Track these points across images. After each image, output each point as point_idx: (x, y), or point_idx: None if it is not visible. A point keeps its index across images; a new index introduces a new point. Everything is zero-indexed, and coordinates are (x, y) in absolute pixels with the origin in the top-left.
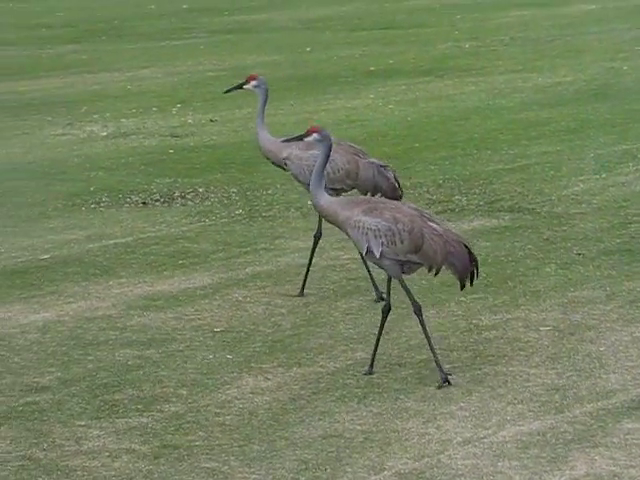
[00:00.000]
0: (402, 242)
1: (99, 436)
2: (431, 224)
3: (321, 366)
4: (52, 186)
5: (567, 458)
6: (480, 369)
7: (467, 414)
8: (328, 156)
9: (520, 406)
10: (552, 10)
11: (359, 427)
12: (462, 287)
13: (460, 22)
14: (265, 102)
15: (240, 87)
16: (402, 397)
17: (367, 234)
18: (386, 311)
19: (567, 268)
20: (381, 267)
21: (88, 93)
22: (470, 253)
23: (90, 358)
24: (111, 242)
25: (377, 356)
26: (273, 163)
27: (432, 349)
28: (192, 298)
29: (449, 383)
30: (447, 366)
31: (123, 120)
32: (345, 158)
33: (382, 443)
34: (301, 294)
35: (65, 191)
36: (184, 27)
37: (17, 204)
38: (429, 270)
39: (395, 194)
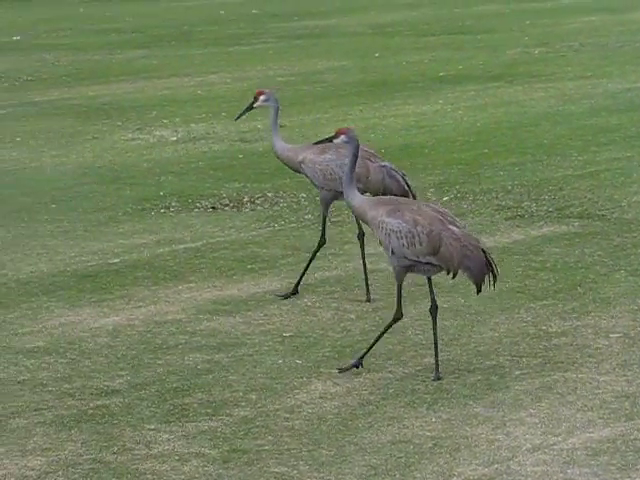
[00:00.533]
0: (421, 244)
1: (169, 440)
2: (451, 227)
3: (390, 372)
4: (122, 190)
5: (637, 466)
6: (550, 375)
7: (537, 421)
8: (356, 156)
9: (590, 413)
10: (621, 16)
11: (428, 433)
12: (478, 291)
13: (529, 28)
14: (277, 114)
15: (251, 108)
16: (471, 403)
17: (390, 235)
18: (434, 311)
19: (637, 275)
20: (393, 269)
21: (158, 98)
22: (487, 258)
23: (160, 362)
24: (181, 247)
25: (445, 362)
26: (290, 168)
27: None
28: (261, 303)
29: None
30: (517, 372)
31: (193, 125)
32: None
33: (451, 449)
34: (368, 299)
35: (135, 196)
36: (253, 32)
37: (87, 208)
38: (447, 272)
39: (405, 197)
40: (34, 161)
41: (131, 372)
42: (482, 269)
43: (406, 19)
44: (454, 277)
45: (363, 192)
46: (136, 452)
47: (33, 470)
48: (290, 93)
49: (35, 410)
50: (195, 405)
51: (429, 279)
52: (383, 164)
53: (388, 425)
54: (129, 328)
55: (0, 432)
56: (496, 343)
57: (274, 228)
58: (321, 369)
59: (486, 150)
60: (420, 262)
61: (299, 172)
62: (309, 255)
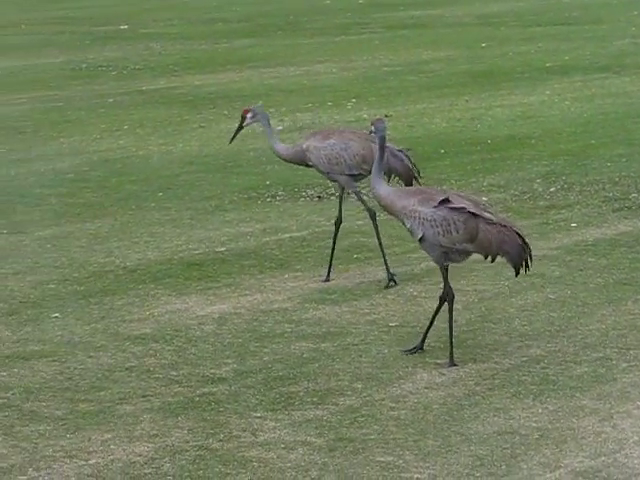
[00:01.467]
0: (457, 232)
1: (275, 428)
2: (485, 214)
3: (496, 362)
4: (228, 179)
5: None
6: None
7: None
8: (383, 147)
9: None
10: None
11: (534, 424)
12: (517, 274)
13: (637, 18)
14: (269, 125)
15: (241, 128)
16: (578, 395)
17: (423, 224)
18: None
19: None
20: (428, 254)
21: (264, 87)
22: (524, 241)
23: (266, 350)
24: (286, 235)
25: (552, 353)
26: (298, 164)
27: (451, 338)
28: (367, 292)
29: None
30: (624, 364)
31: (298, 114)
32: (360, 144)
33: (557, 441)
34: (391, 279)
35: (241, 184)
36: (359, 22)
37: (194, 197)
38: (485, 258)
39: (410, 175)
40: (141, 149)
41: (237, 360)
42: (520, 252)
43: (512, 9)
44: (493, 261)
45: (369, 173)
46: (242, 440)
47: (140, 456)
48: (396, 83)
49: (142, 397)
50: (301, 393)
51: (445, 269)
52: (386, 145)
53: (494, 416)
54: (235, 316)
55: (108, 418)
56: (603, 335)
57: (380, 217)
58: (427, 359)
59: (593, 141)
60: (455, 249)
61: (308, 165)
62: (415, 245)
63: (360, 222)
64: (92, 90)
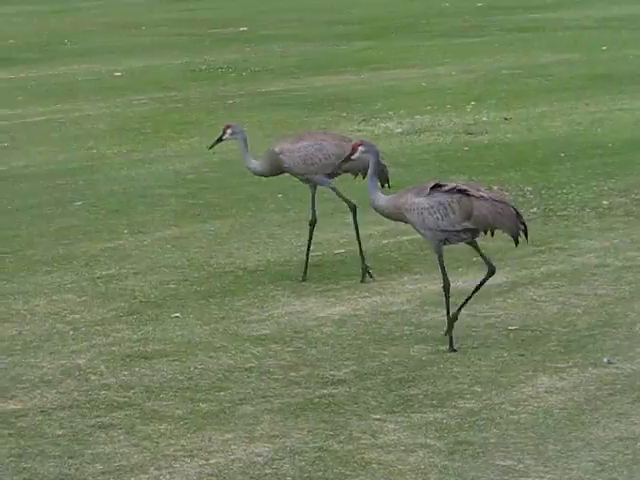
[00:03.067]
0: (454, 213)
1: (394, 430)
2: (477, 192)
3: (617, 367)
4: (347, 182)
5: None
6: None
7: None
8: (378, 161)
9: None
10: None
11: None
12: (516, 243)
13: None
14: (245, 145)
15: (220, 139)
16: None
17: (422, 213)
18: (447, 288)
19: None
20: (445, 242)
21: (383, 89)
22: (517, 213)
23: (385, 353)
24: (405, 238)
25: None
26: (274, 175)
27: (450, 318)
28: (487, 295)
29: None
30: None
31: (417, 117)
32: (333, 143)
33: None
34: (366, 276)
35: (361, 187)
36: (478, 25)
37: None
38: (484, 232)
39: (383, 171)
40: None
41: (357, 362)
42: (515, 222)
43: (632, 13)
44: (492, 235)
45: (344, 172)
46: (362, 441)
47: (260, 456)
48: (515, 86)
49: (262, 397)
50: (420, 396)
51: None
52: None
53: (615, 421)
54: (355, 318)
55: (228, 418)
56: None
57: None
58: (547, 363)
59: None
60: (456, 231)
61: (282, 172)
62: (536, 249)
63: None
64: (212, 91)
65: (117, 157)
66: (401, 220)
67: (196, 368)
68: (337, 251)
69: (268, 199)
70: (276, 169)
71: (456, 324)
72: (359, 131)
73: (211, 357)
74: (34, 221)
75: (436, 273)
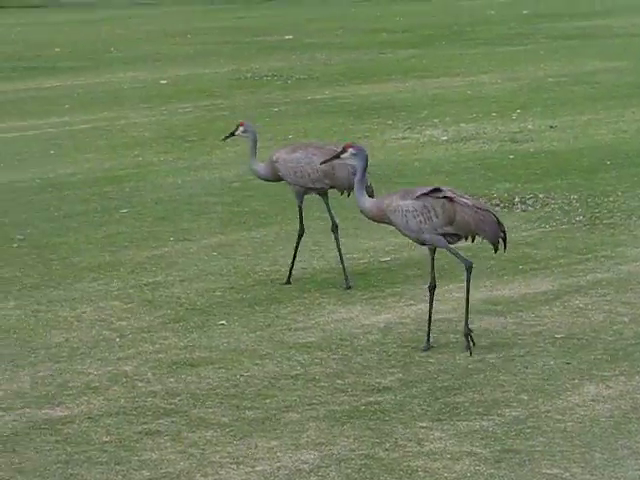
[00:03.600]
0: (437, 217)
1: (440, 438)
2: (460, 198)
3: None
4: (394, 189)
5: None
6: None
7: None
8: (366, 166)
9: None
10: None
11: None
12: (496, 250)
13: None
14: (255, 144)
15: (233, 134)
16: None
17: (406, 216)
18: (432, 289)
19: None
20: (425, 243)
21: (428, 97)
22: (498, 221)
23: (431, 360)
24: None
25: None
26: (274, 180)
27: (429, 321)
28: (532, 304)
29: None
30: None
31: (463, 125)
32: (322, 160)
33: None
34: (348, 286)
35: None
36: (524, 32)
37: (347, 206)
38: (465, 238)
39: (369, 186)
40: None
41: (402, 369)
42: (496, 230)
43: None
44: (473, 241)
45: (330, 187)
46: (408, 449)
47: (306, 464)
48: (561, 94)
49: (308, 405)
50: (466, 404)
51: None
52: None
53: None
54: (400, 326)
55: (274, 425)
56: None
57: (545, 229)
58: (593, 371)
59: None
60: (439, 234)
61: (280, 180)
62: (582, 257)
63: (525, 233)
64: (257, 99)
65: (163, 165)
66: (386, 222)
67: (242, 375)
68: (383, 259)
69: (313, 207)
70: (274, 175)
71: (501, 331)
72: (404, 139)
73: (257, 364)
74: (81, 228)
75: (482, 281)
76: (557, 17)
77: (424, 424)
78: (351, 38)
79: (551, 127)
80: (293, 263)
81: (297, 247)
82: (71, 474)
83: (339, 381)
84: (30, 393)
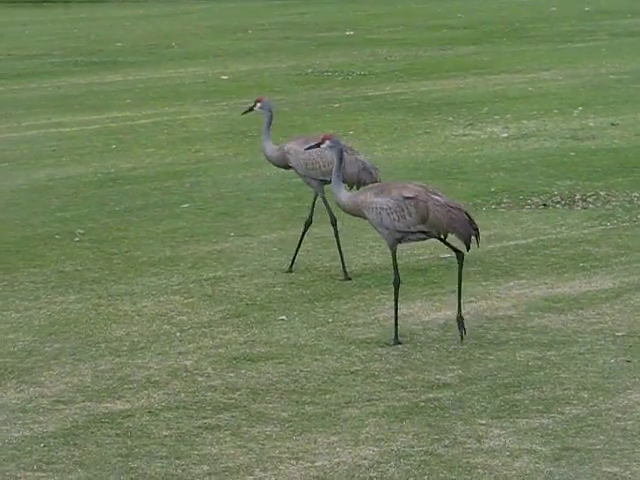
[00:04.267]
0: (410, 215)
1: (500, 435)
2: (434, 196)
3: None
4: (453, 186)
5: None
6: None
7: None
8: (342, 159)
9: None
10: None
11: None
12: (468, 248)
13: None
14: (270, 121)
15: (251, 109)
16: None
17: (381, 213)
18: (396, 285)
19: None
20: (401, 241)
21: (489, 94)
22: (470, 220)
23: (491, 357)
24: (511, 243)
25: None
26: (278, 166)
27: (395, 315)
28: (593, 301)
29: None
30: None
31: (524, 121)
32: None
33: None
34: (347, 278)
35: (466, 191)
36: (586, 29)
37: None
38: (437, 237)
39: (372, 174)
40: (367, 154)
41: (462, 366)
42: (468, 229)
43: None
44: (445, 239)
45: (342, 182)
46: (467, 446)
47: (365, 459)
48: (623, 91)
49: (367, 401)
50: (526, 401)
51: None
52: (358, 158)
53: None
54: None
55: (333, 421)
56: None
57: (606, 227)
58: None
59: None
60: (411, 232)
61: (286, 168)
62: None
63: (586, 231)
64: (318, 95)
65: (223, 160)
66: (361, 216)
67: (302, 371)
68: (443, 255)
69: None
70: (283, 163)
71: (561, 329)
72: (464, 135)
73: (317, 360)
74: (142, 223)
75: (542, 278)
76: (619, 14)
77: (483, 421)
78: (412, 34)
79: (613, 124)
80: (297, 252)
81: (302, 236)
82: (131, 467)
83: (398, 377)
84: (91, 387)
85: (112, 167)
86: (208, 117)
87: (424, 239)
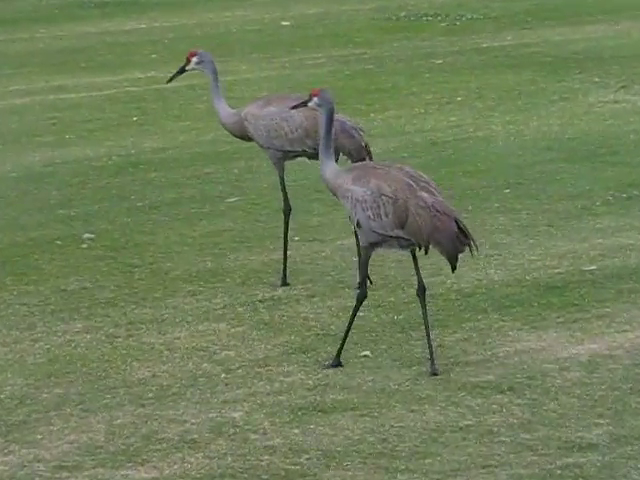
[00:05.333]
0: (387, 215)
1: None
2: (421, 194)
3: None
4: (600, 171)
5: None
6: None
7: None
8: (331, 121)
9: None
10: None
11: None
12: (453, 269)
13: None
14: (216, 79)
15: (183, 71)
16: None
17: (356, 206)
18: (361, 300)
19: None
20: (377, 244)
21: None
22: (460, 229)
23: None
24: None
25: None
26: (235, 136)
27: (348, 330)
28: None
29: None
30: None
31: None
32: (303, 114)
33: None
34: (283, 283)
35: (618, 178)
36: None
37: (553, 195)
38: (419, 248)
39: (361, 157)
40: (481, 129)
41: (613, 420)
42: (454, 242)
43: None
44: (426, 253)
45: (313, 149)
46: None
47: None
48: None
49: (483, 467)
50: None
51: (414, 258)
52: (336, 118)
53: None
54: (610, 360)
55: None
56: None
57: None
58: None
59: None
60: (390, 237)
61: (244, 139)
62: None
63: None
64: (413, 48)
65: None
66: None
67: (392, 427)
68: (586, 268)
69: (491, 196)
70: (241, 132)
71: None
72: (616, 102)
73: (412, 411)
74: (173, 223)
75: None
76: None
77: None
78: None
79: None
80: (285, 256)
81: (286, 230)
82: None
83: (526, 435)
84: (105, 447)
85: (132, 147)
86: (263, 78)
87: (411, 250)
